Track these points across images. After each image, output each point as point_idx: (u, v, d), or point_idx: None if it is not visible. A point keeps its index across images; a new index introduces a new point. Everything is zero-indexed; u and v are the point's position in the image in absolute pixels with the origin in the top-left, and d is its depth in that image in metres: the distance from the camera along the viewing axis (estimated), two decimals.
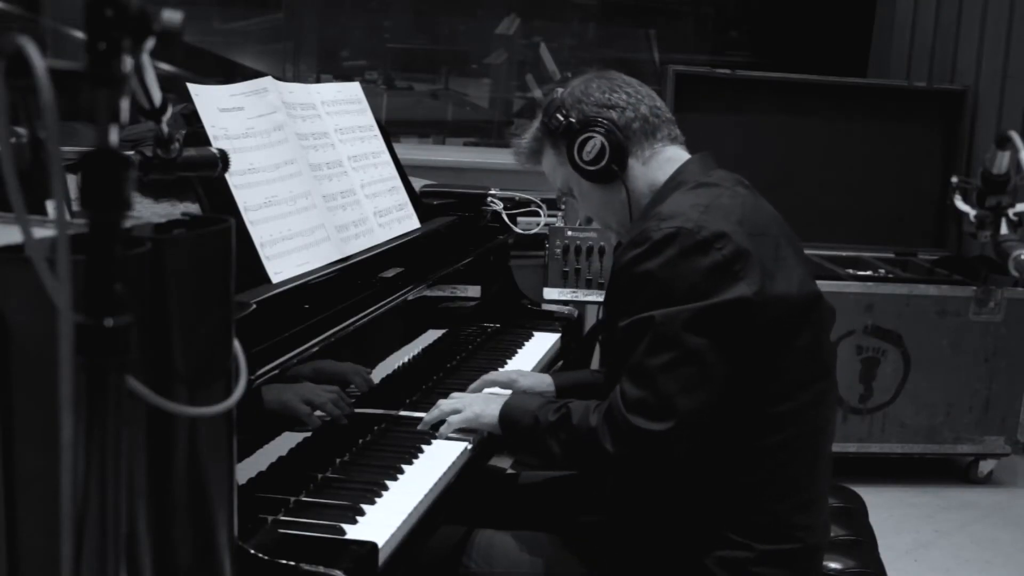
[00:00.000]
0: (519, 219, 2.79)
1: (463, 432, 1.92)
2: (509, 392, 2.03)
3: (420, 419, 1.97)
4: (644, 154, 1.87)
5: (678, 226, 1.65)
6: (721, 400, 1.65)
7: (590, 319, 3.44)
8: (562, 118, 1.88)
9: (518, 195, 2.87)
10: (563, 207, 4.41)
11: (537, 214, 2.87)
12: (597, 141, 1.84)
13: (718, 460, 1.70)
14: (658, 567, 1.76)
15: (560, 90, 1.93)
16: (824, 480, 1.84)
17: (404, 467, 1.78)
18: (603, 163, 1.85)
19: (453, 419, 1.92)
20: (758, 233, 1.70)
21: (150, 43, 0.83)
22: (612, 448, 1.66)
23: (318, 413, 1.76)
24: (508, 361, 2.41)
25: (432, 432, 1.93)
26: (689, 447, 1.66)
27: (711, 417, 1.65)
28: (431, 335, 2.27)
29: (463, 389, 2.12)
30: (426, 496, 1.70)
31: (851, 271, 3.94)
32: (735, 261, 1.64)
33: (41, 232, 0.85)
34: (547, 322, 2.71)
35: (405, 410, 2.05)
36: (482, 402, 1.94)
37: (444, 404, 1.96)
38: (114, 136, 0.79)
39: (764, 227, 1.73)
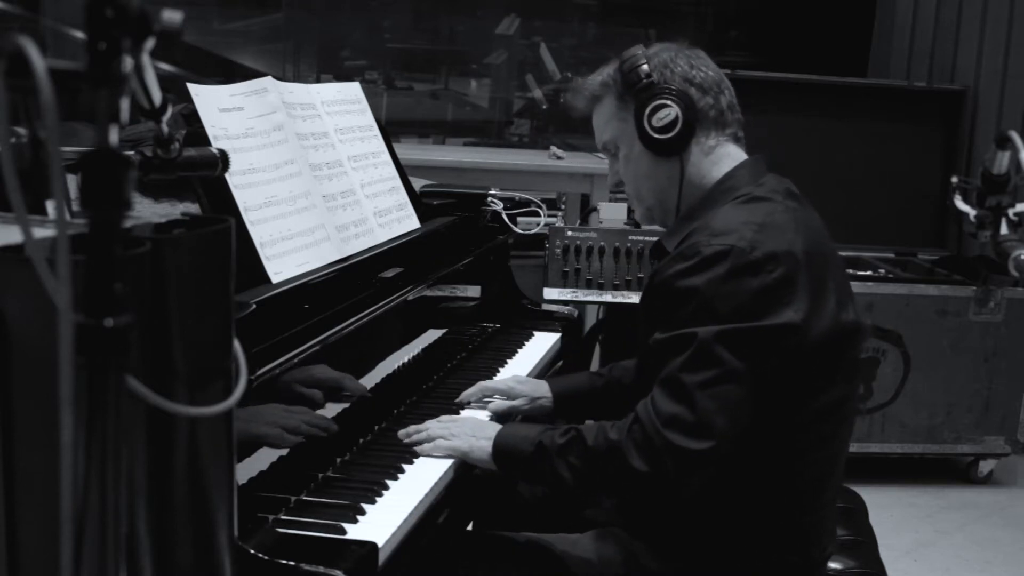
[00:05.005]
0: (519, 219, 2.79)
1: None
2: (491, 421, 1.93)
3: (421, 420, 1.97)
4: (708, 143, 1.80)
5: (732, 244, 1.60)
6: (755, 421, 1.62)
7: (590, 319, 3.44)
8: (644, 75, 1.79)
9: (518, 195, 2.87)
10: (563, 207, 4.41)
11: (537, 214, 2.87)
12: (673, 111, 1.76)
13: (740, 478, 1.69)
14: (666, 572, 1.76)
15: (643, 47, 1.85)
16: (835, 496, 1.84)
17: (405, 466, 1.78)
18: (671, 135, 1.77)
19: (441, 444, 1.82)
20: (809, 254, 1.65)
21: (150, 43, 0.83)
22: (641, 465, 1.59)
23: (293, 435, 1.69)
24: (508, 361, 2.41)
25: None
26: (722, 467, 1.62)
27: (744, 437, 1.61)
28: (431, 335, 2.27)
29: (463, 389, 2.12)
30: (427, 496, 1.70)
31: (851, 271, 3.93)
32: (784, 285, 1.60)
33: (41, 232, 0.85)
34: (547, 322, 2.71)
35: (406, 409, 2.05)
36: (471, 435, 1.82)
37: (434, 430, 1.85)
38: (114, 136, 0.79)
39: (815, 247, 1.68)
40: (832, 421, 1.72)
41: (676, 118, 1.77)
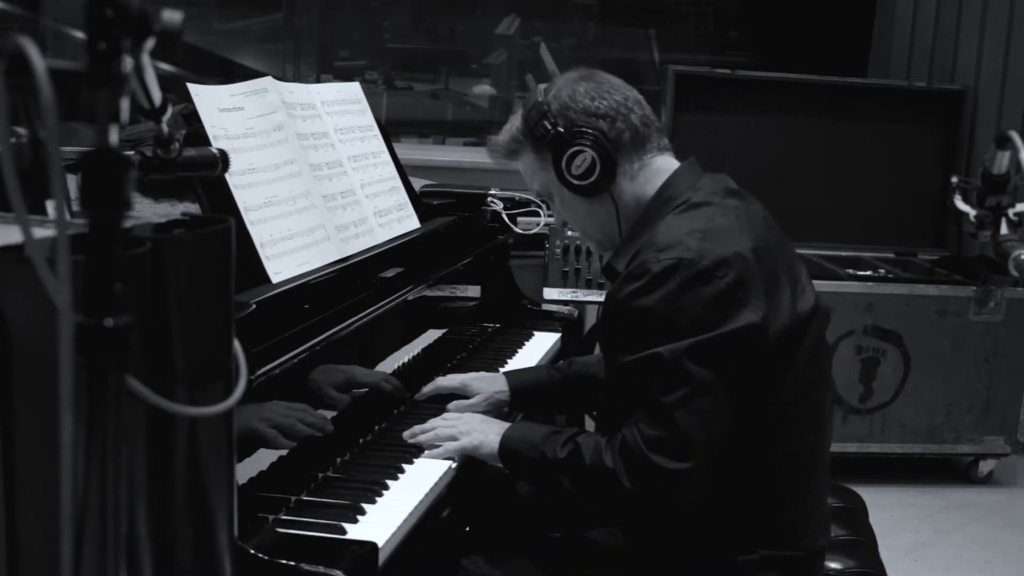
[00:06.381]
0: (519, 219, 2.79)
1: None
2: (499, 420, 1.92)
3: (421, 421, 1.97)
4: (633, 167, 1.79)
5: (678, 257, 1.60)
6: (733, 424, 1.63)
7: (590, 319, 3.44)
8: (549, 127, 1.78)
9: (518, 195, 2.87)
10: None
11: (537, 214, 2.87)
12: (587, 156, 1.75)
13: (720, 475, 1.69)
14: (660, 570, 1.76)
15: (542, 88, 1.84)
16: (823, 486, 1.84)
17: (405, 467, 1.78)
18: (592, 178, 1.77)
19: (450, 446, 1.84)
20: (757, 252, 1.65)
21: (150, 43, 0.83)
22: (632, 486, 1.61)
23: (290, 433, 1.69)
24: (508, 361, 2.41)
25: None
26: (708, 479, 1.63)
27: (726, 444, 1.63)
28: (431, 335, 2.27)
29: None
30: (427, 496, 1.70)
31: (851, 271, 3.94)
32: (738, 288, 1.60)
33: (41, 232, 0.85)
34: (547, 322, 2.71)
35: (406, 409, 2.05)
36: (480, 431, 1.84)
37: (441, 429, 1.88)
38: (114, 136, 0.79)
39: (762, 243, 1.68)
40: (805, 408, 1.73)
41: (593, 160, 1.76)
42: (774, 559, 1.71)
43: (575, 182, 1.78)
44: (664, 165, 1.82)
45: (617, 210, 1.81)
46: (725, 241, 1.63)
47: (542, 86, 1.85)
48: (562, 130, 1.77)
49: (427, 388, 2.10)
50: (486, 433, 1.83)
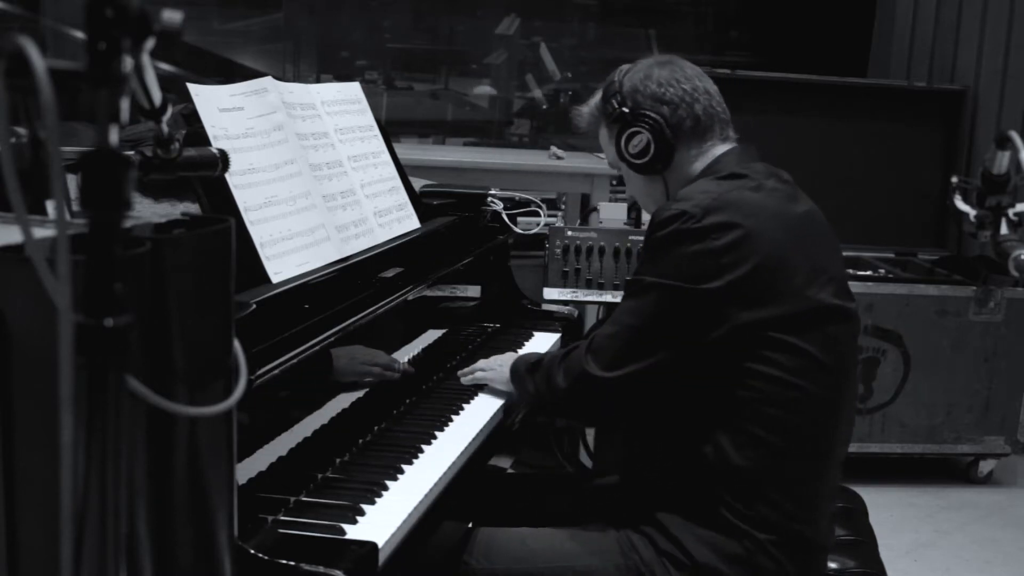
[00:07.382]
0: (519, 219, 2.79)
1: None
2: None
3: (421, 421, 1.97)
4: (691, 153, 1.91)
5: (684, 209, 1.71)
6: (680, 375, 1.72)
7: (590, 319, 3.44)
8: (616, 105, 1.92)
9: (518, 195, 2.87)
10: (563, 207, 4.41)
11: (537, 214, 2.87)
12: (644, 137, 1.89)
13: (715, 443, 1.72)
14: (662, 560, 1.76)
15: (622, 69, 1.96)
16: (831, 481, 1.84)
17: (404, 467, 1.78)
18: (647, 158, 1.90)
19: (487, 375, 2.14)
20: (765, 233, 1.70)
21: (150, 43, 0.83)
22: (562, 382, 1.83)
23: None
24: None
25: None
26: (632, 407, 1.80)
27: (665, 386, 1.75)
28: (431, 335, 2.27)
29: (463, 390, 2.13)
30: (426, 496, 1.70)
31: (851, 271, 3.93)
32: (724, 254, 1.68)
33: (41, 232, 0.85)
34: (547, 322, 2.71)
35: (405, 409, 2.05)
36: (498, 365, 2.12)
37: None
38: (114, 136, 0.79)
39: (776, 227, 1.73)
40: (815, 398, 1.74)
41: (648, 143, 1.89)
42: (771, 544, 1.71)
43: (632, 160, 1.91)
44: (721, 151, 1.92)
45: (667, 191, 1.93)
46: (736, 210, 1.71)
47: (624, 67, 1.98)
48: (627, 111, 1.91)
49: (467, 379, 2.20)
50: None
